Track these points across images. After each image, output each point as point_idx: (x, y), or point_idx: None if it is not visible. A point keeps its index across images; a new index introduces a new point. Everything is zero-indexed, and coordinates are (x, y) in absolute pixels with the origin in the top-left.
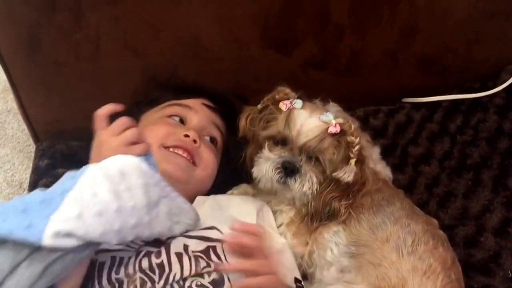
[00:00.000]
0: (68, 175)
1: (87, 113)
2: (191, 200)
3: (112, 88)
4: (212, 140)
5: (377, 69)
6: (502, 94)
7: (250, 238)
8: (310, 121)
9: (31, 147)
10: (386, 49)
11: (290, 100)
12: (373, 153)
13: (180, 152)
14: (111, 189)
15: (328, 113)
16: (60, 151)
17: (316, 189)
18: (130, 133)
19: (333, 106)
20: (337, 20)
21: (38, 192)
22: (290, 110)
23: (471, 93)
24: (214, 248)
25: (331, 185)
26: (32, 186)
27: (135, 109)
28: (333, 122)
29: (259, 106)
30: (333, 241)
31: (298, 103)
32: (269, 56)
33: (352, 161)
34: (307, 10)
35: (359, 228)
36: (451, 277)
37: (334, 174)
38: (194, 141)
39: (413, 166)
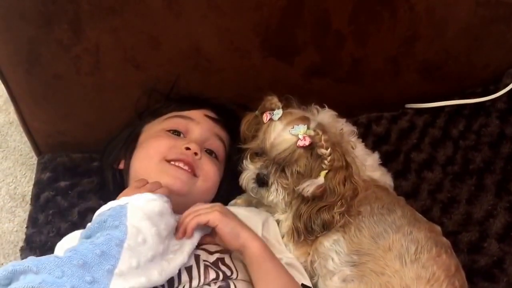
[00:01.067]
0: (109, 218)
1: (88, 125)
2: None
3: (113, 100)
4: (214, 152)
5: (378, 76)
6: (504, 98)
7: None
8: (282, 134)
9: (34, 159)
10: (387, 56)
11: (271, 111)
12: (368, 160)
13: (181, 165)
14: (156, 232)
15: (299, 126)
16: (62, 164)
17: (284, 198)
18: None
19: (326, 112)
20: (337, 28)
21: (87, 242)
22: (269, 122)
23: (473, 98)
24: (222, 259)
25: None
26: (35, 199)
27: (137, 120)
28: (301, 135)
29: (257, 112)
30: (334, 250)
31: (277, 114)
32: (270, 65)
33: (323, 173)
34: (308, 18)
35: (360, 236)
36: (455, 285)
37: (296, 188)
38: (195, 153)
39: (416, 172)
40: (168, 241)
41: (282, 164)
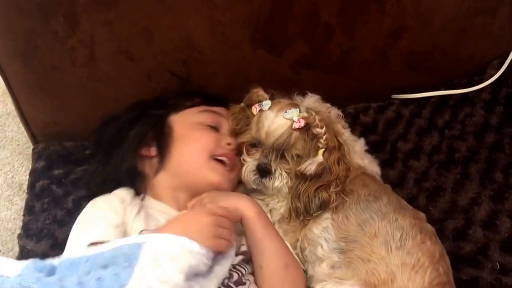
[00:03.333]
0: (122, 256)
1: (84, 115)
2: None
3: (107, 91)
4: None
5: (366, 67)
6: (488, 89)
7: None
8: (276, 120)
9: (31, 149)
10: (375, 47)
11: (259, 103)
12: (356, 146)
13: (224, 159)
14: (164, 278)
15: (291, 110)
16: (56, 152)
17: (287, 182)
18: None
19: (310, 97)
20: (326, 20)
21: (94, 283)
22: (260, 113)
23: (458, 88)
24: (239, 265)
25: (309, 177)
26: (30, 188)
27: (154, 108)
28: (296, 118)
29: (242, 104)
30: (323, 237)
31: (266, 104)
32: (261, 57)
33: (320, 151)
34: (297, 11)
35: (348, 224)
36: (439, 271)
37: (297, 168)
38: (233, 149)
39: (402, 161)
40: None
41: (281, 150)
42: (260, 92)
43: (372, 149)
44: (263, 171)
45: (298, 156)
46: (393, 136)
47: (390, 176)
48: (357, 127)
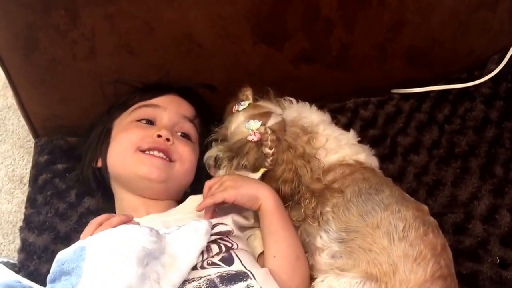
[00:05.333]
0: (67, 262)
1: (84, 109)
2: (178, 195)
3: (108, 85)
4: (186, 134)
5: (366, 62)
6: (489, 83)
7: (212, 198)
8: (241, 125)
9: (31, 142)
10: (375, 42)
11: (239, 102)
12: (343, 139)
13: (155, 153)
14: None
15: (255, 121)
16: (59, 147)
17: None
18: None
19: (294, 107)
20: (326, 14)
21: None
22: (236, 112)
23: (458, 83)
24: (221, 238)
25: None
26: (33, 181)
27: (106, 116)
28: (251, 131)
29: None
30: (323, 228)
31: (242, 106)
32: (261, 51)
33: (262, 170)
34: (297, 4)
35: (349, 215)
36: (441, 263)
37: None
38: (168, 139)
39: (402, 156)
40: (150, 267)
41: (235, 153)
42: (247, 92)
43: (372, 144)
44: (219, 163)
45: (245, 166)
46: (393, 130)
47: (390, 170)
48: (357, 121)
